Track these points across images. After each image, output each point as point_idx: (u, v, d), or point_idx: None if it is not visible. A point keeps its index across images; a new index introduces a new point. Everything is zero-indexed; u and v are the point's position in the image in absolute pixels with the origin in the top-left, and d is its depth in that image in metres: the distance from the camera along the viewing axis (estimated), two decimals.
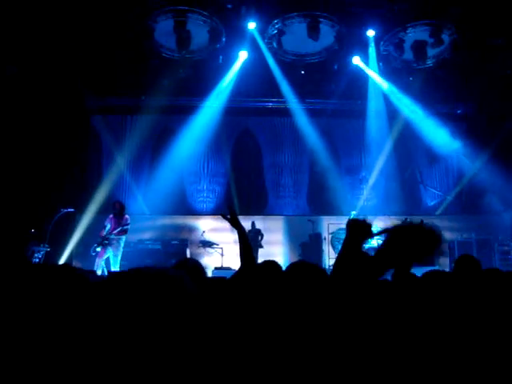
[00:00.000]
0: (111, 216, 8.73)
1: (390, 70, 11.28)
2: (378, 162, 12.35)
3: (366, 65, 11.19)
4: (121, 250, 8.62)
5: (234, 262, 9.46)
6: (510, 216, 11.13)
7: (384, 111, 12.19)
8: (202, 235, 11.22)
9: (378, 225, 10.97)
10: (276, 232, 11.67)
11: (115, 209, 8.68)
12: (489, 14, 9.05)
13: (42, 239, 8.77)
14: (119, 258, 8.55)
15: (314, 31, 9.60)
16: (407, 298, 2.13)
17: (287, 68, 11.10)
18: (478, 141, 11.68)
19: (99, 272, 8.11)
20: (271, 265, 2.67)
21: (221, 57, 10.78)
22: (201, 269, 2.81)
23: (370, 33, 10.15)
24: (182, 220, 11.87)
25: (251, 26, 9.88)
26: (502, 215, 11.25)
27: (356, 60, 11.09)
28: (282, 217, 12.18)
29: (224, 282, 3.22)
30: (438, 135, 12.02)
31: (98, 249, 8.35)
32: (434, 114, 12.03)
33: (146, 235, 11.05)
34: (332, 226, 11.18)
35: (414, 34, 9.99)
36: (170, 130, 12.28)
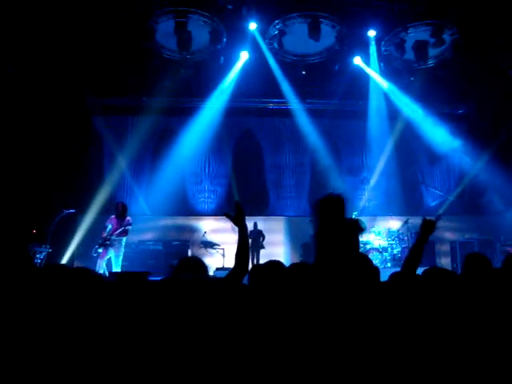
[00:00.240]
0: (113, 217, 8.72)
1: (390, 70, 11.27)
2: (380, 163, 12.35)
3: (366, 65, 11.18)
4: (122, 250, 8.62)
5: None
6: (511, 216, 11.11)
7: (385, 111, 12.18)
8: (203, 236, 11.22)
9: (379, 225, 11.00)
10: (277, 233, 11.67)
11: (118, 210, 8.67)
12: (490, 13, 9.05)
13: (43, 240, 8.78)
14: (121, 258, 8.55)
15: (314, 31, 9.60)
16: (415, 297, 2.13)
17: (288, 68, 11.11)
18: (479, 141, 11.67)
19: (101, 273, 8.10)
20: (275, 265, 2.67)
21: (222, 57, 10.78)
22: (204, 267, 2.81)
23: (371, 33, 10.16)
24: (184, 221, 11.87)
25: (252, 26, 9.89)
26: (504, 215, 11.23)
27: (357, 60, 11.08)
28: (284, 217, 12.18)
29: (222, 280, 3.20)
30: (439, 134, 12.02)
31: (100, 250, 8.34)
32: (435, 113, 12.02)
33: (148, 236, 11.06)
34: None
35: (415, 34, 9.99)
36: (171, 131, 12.28)
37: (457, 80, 11.17)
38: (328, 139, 12.46)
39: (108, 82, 11.01)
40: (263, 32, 10.12)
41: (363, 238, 9.97)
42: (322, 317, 1.74)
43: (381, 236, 10.44)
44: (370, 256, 9.51)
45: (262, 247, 10.80)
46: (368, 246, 10.18)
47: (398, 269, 2.99)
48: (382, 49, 10.67)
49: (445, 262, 10.99)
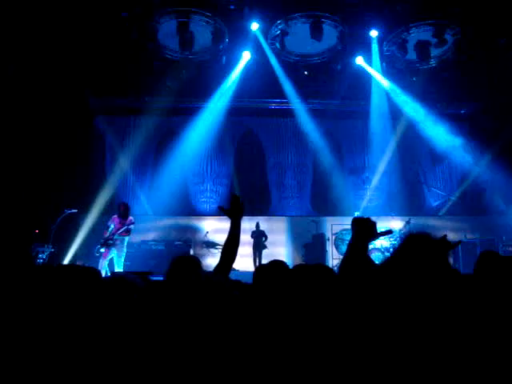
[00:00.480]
0: (115, 216, 8.71)
1: (393, 70, 11.27)
2: (381, 163, 12.34)
3: (369, 65, 11.18)
4: (124, 250, 8.61)
5: (237, 262, 9.45)
6: None
7: (387, 112, 12.19)
8: (205, 236, 11.24)
9: (381, 226, 10.98)
10: (279, 233, 11.67)
11: (120, 210, 8.66)
12: (492, 13, 9.03)
13: (45, 240, 8.79)
14: (123, 258, 8.54)
15: (317, 32, 9.60)
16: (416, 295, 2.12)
17: (290, 68, 11.11)
18: (481, 141, 11.66)
19: (103, 273, 8.10)
20: (279, 265, 2.67)
21: (224, 58, 10.79)
22: (198, 264, 2.81)
23: (373, 33, 10.15)
24: (186, 221, 11.88)
25: (254, 26, 9.88)
26: (506, 215, 11.21)
27: (359, 60, 11.08)
28: (286, 217, 12.19)
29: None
30: (441, 134, 12.00)
31: (102, 250, 8.33)
32: (437, 114, 12.01)
33: (150, 236, 11.07)
34: (335, 226, 11.17)
35: (417, 34, 9.98)
36: (173, 131, 12.31)
37: (459, 80, 11.15)
38: (330, 139, 12.47)
39: (110, 82, 11.03)
40: (265, 32, 10.12)
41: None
42: (326, 317, 1.75)
43: (383, 236, 10.42)
44: (372, 256, 9.51)
45: (265, 247, 10.81)
46: (370, 247, 10.16)
47: None
48: (384, 49, 10.66)
49: None
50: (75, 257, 10.33)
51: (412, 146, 12.65)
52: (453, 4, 9.05)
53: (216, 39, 10.12)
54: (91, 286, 1.93)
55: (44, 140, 10.26)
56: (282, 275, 2.47)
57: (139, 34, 9.73)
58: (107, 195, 11.03)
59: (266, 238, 10.95)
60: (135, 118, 12.41)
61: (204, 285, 1.44)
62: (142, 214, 11.42)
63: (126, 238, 8.63)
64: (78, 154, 11.14)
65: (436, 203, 12.58)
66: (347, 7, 9.34)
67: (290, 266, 2.72)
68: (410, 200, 12.33)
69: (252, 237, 10.90)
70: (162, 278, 2.69)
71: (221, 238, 10.80)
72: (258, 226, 11.03)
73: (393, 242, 10.42)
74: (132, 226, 8.62)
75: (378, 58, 10.88)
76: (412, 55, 10.56)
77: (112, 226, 8.56)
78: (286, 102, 12.11)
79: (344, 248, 9.98)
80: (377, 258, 9.94)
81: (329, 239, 11.00)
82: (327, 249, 10.96)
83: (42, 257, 8.41)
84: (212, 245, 10.86)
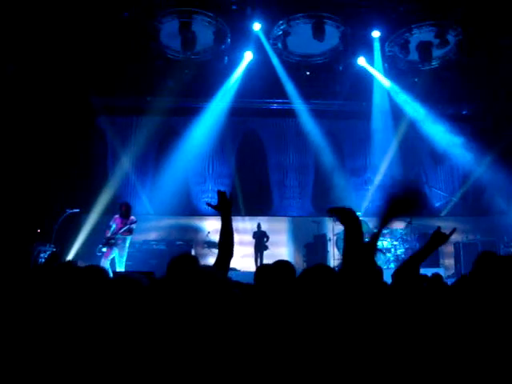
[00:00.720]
0: (117, 216, 8.72)
1: (395, 70, 11.27)
2: (383, 163, 12.33)
3: (371, 66, 11.17)
4: (126, 250, 8.62)
5: (239, 262, 9.48)
6: None
7: (389, 112, 12.18)
8: (207, 236, 11.25)
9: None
10: (281, 233, 11.68)
11: (121, 210, 8.66)
12: (494, 14, 9.02)
13: (47, 239, 8.81)
14: (124, 258, 8.55)
15: (319, 32, 9.60)
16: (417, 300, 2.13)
17: (292, 69, 11.11)
18: (482, 141, 11.65)
19: None
20: (284, 265, 2.67)
21: (226, 58, 10.79)
22: (197, 263, 2.82)
23: (375, 34, 10.14)
24: (187, 221, 11.90)
25: (256, 26, 9.89)
26: (507, 216, 11.20)
27: (361, 61, 11.08)
28: (287, 218, 12.18)
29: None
30: (443, 135, 12.00)
31: (104, 249, 8.34)
32: (439, 114, 12.00)
33: (151, 236, 11.09)
34: (337, 226, 11.15)
35: (420, 34, 9.97)
36: (175, 131, 12.31)
37: (461, 81, 11.14)
38: (332, 139, 12.47)
39: (112, 82, 11.03)
40: (267, 32, 10.12)
41: (367, 238, 9.95)
42: (330, 317, 1.75)
43: (384, 237, 10.43)
44: None
45: (266, 248, 10.81)
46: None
47: None
48: (386, 49, 10.66)
49: (448, 263, 10.97)
50: (77, 256, 10.34)
51: (414, 147, 12.64)
52: (455, 5, 9.04)
53: (218, 39, 10.13)
54: (97, 284, 1.94)
55: (46, 140, 10.28)
56: (288, 276, 2.47)
57: (141, 34, 9.74)
58: (109, 195, 11.05)
59: (268, 238, 10.95)
60: (137, 118, 12.41)
61: (204, 279, 1.44)
62: (143, 213, 11.43)
63: (128, 238, 8.64)
64: (79, 153, 11.16)
65: (438, 204, 12.57)
66: (349, 8, 9.34)
67: None
68: None
69: (253, 237, 10.91)
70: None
71: None
72: (259, 226, 11.04)
73: (394, 243, 10.42)
74: (134, 226, 8.62)
75: (379, 59, 10.88)
76: (414, 56, 10.56)
77: (114, 226, 8.56)
78: (288, 103, 12.11)
79: None
80: (378, 258, 9.93)
81: (330, 240, 11.00)
82: (328, 249, 10.95)
83: (44, 256, 8.43)
84: (213, 245, 10.86)
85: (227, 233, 2.74)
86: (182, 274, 1.52)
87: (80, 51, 9.73)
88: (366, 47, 10.58)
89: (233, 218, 2.87)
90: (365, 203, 12.03)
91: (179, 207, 11.84)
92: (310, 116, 12.26)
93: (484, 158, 11.56)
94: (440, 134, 12.04)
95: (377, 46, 10.50)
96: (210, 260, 10.29)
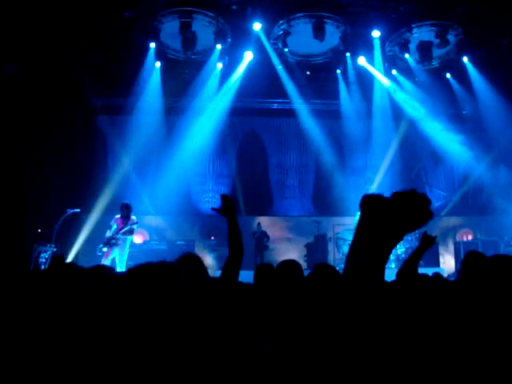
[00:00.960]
0: (118, 216, 8.71)
1: (395, 70, 11.27)
2: (383, 163, 12.33)
3: (371, 65, 11.18)
4: (127, 250, 8.61)
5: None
6: None
7: (389, 111, 12.18)
8: (211, 240, 11.23)
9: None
10: (281, 233, 11.67)
11: (122, 211, 8.65)
12: (494, 14, 9.02)
13: (48, 239, 8.80)
14: (125, 258, 8.54)
15: (319, 32, 9.61)
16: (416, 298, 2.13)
17: (292, 69, 11.11)
18: (483, 141, 11.64)
19: None
20: (291, 264, 2.68)
21: (226, 57, 10.80)
22: (202, 264, 2.83)
23: (376, 33, 10.14)
24: (188, 220, 11.88)
25: (257, 26, 9.88)
26: (508, 215, 11.20)
27: (361, 60, 11.08)
28: (287, 217, 12.18)
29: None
30: (442, 133, 12.00)
31: (105, 249, 8.34)
32: (439, 114, 12.00)
33: (152, 236, 11.09)
34: (337, 226, 11.17)
35: (420, 34, 9.98)
36: (175, 131, 12.29)
37: (461, 80, 11.15)
38: (332, 139, 12.46)
39: (112, 81, 11.04)
40: (268, 32, 10.12)
41: None
42: (331, 316, 1.75)
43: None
44: None
45: (266, 247, 10.81)
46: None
47: None
48: (387, 49, 10.66)
49: (448, 262, 10.97)
50: (78, 256, 10.35)
51: (414, 146, 12.64)
52: (455, 4, 9.04)
53: (218, 39, 10.14)
54: (104, 281, 1.95)
55: (46, 140, 10.28)
56: (296, 275, 2.48)
57: (142, 34, 9.75)
58: (109, 195, 11.04)
59: (268, 238, 10.95)
60: (137, 118, 12.40)
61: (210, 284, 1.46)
62: (144, 213, 11.42)
63: (129, 238, 8.63)
64: (79, 153, 11.15)
65: (438, 203, 12.57)
66: (349, 7, 9.34)
67: None
68: None
69: (254, 237, 10.91)
70: None
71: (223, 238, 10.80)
72: (259, 226, 11.04)
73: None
74: (135, 226, 8.63)
75: (380, 59, 10.88)
76: (414, 56, 10.56)
77: (115, 226, 8.56)
78: (288, 102, 12.11)
79: (346, 248, 9.96)
80: None
81: (330, 239, 10.99)
82: (329, 249, 10.95)
83: (45, 256, 8.42)
84: (214, 245, 10.87)
85: (235, 234, 2.76)
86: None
87: (80, 51, 9.74)
88: (367, 47, 10.58)
89: None
90: None
91: (180, 207, 11.83)
92: (311, 116, 12.26)
93: (484, 157, 11.56)
94: (440, 133, 12.04)
95: (377, 45, 10.50)
96: (211, 260, 10.33)
